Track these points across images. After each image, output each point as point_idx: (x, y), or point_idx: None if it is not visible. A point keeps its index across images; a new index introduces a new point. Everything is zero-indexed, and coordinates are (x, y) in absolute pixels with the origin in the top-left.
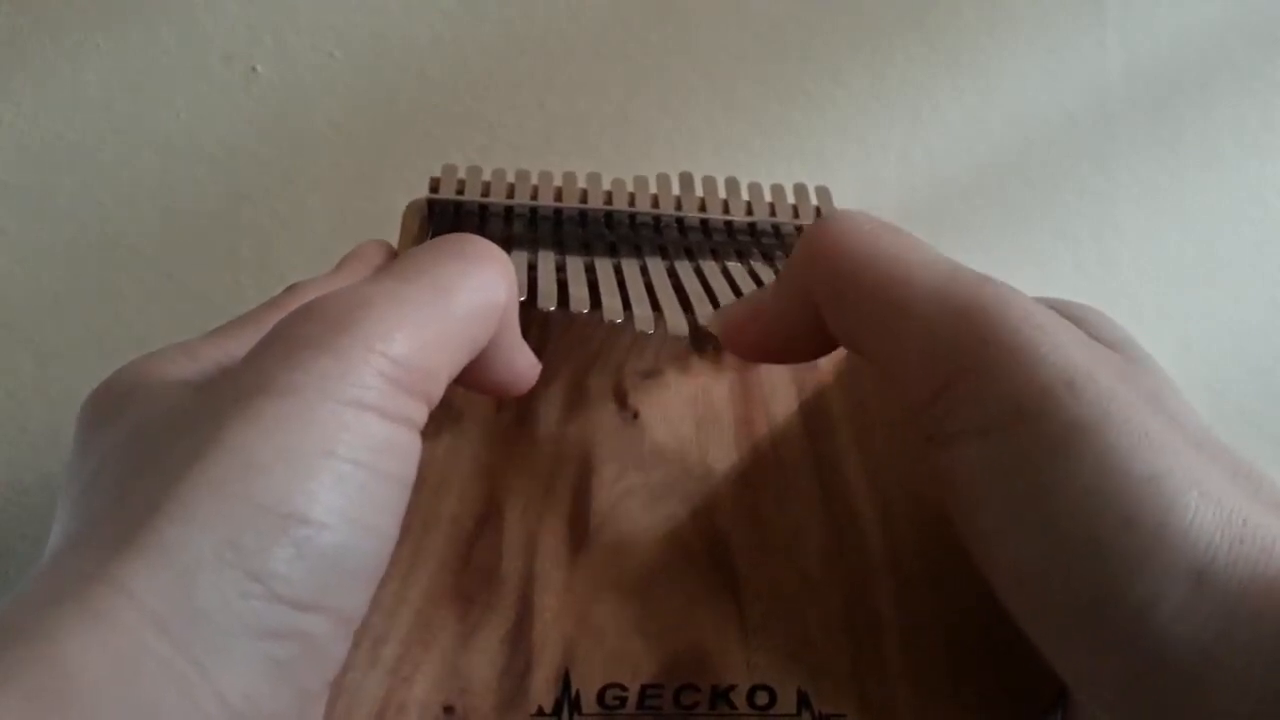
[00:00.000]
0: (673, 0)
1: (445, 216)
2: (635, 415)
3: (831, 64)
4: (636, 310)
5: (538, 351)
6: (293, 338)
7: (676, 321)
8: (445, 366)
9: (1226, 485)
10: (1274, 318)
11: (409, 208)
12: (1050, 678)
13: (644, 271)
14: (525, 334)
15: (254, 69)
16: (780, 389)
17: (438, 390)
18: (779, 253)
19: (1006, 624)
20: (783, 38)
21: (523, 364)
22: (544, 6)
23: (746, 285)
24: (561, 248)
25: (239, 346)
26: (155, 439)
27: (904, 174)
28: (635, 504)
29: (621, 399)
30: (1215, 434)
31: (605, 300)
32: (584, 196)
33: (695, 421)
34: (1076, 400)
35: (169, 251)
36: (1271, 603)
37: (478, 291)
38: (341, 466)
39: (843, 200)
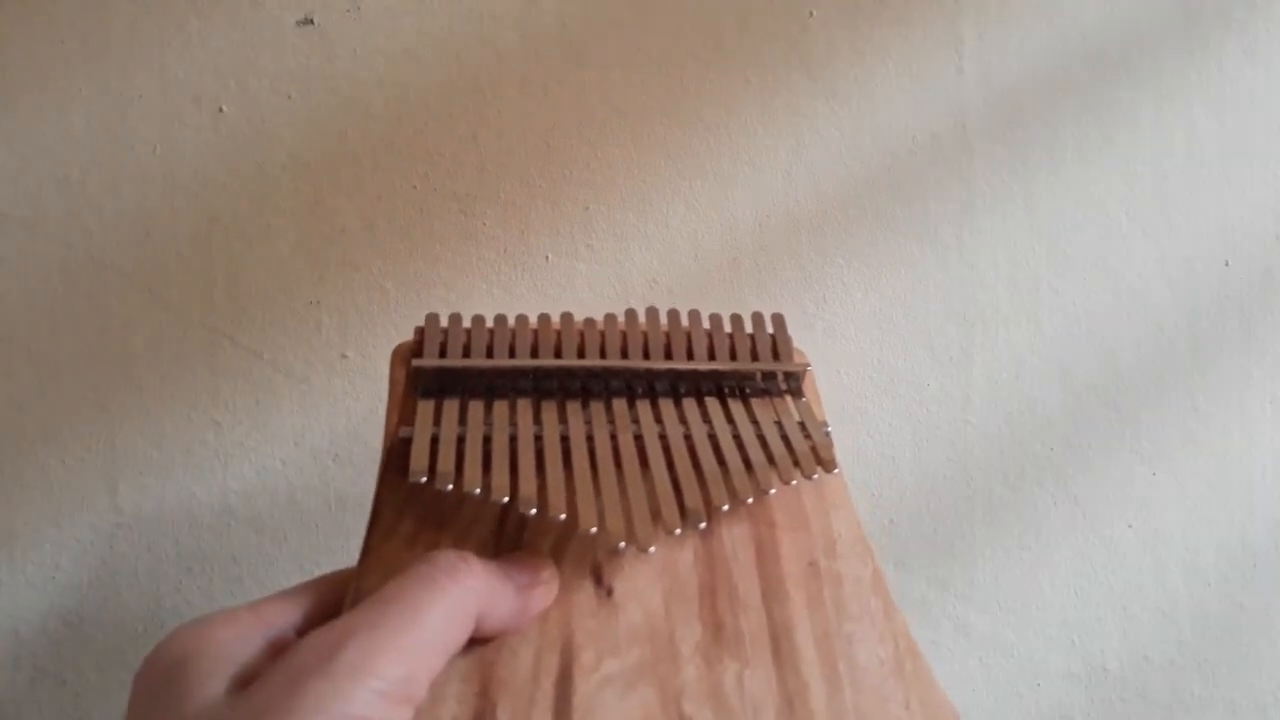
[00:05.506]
0: (586, 45)
1: (430, 375)
2: (610, 592)
3: (725, 97)
4: (609, 525)
5: (519, 530)
6: (293, 668)
7: (646, 535)
8: (424, 670)
9: None
10: (1114, 305)
11: (395, 354)
12: None
13: (616, 455)
14: (507, 514)
15: (221, 109)
16: (740, 548)
17: (420, 691)
18: (738, 389)
19: None
20: (683, 75)
21: (523, 609)
22: (475, 51)
23: (709, 461)
24: (539, 395)
25: (273, 614)
26: None
27: (789, 189)
28: (611, 694)
29: (597, 575)
30: None
31: (581, 510)
32: (558, 347)
33: (664, 595)
34: None
35: (149, 270)
36: None
37: (446, 606)
38: None
39: (738, 211)
